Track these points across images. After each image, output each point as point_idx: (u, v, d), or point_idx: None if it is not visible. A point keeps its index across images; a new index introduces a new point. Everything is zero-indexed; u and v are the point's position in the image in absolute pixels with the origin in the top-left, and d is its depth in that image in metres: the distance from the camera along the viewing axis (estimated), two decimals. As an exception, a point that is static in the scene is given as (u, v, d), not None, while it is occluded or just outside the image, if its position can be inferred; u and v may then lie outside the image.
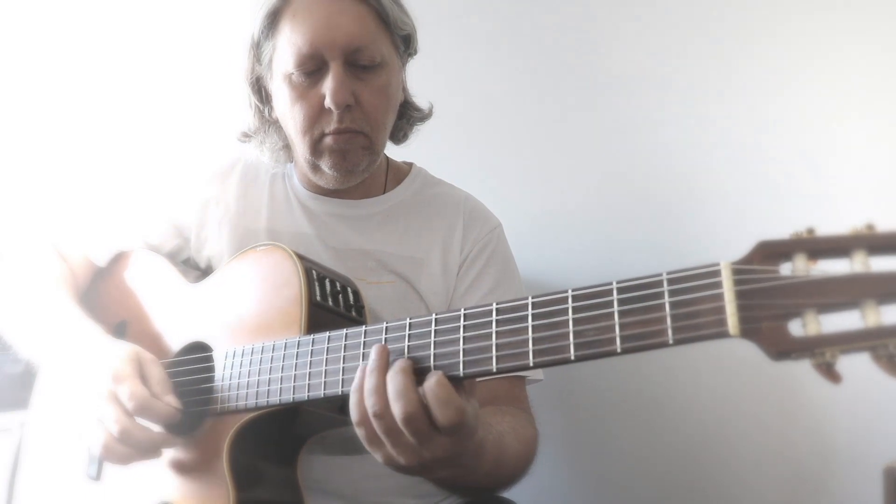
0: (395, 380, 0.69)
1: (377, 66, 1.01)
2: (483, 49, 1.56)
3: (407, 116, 1.16)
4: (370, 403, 0.69)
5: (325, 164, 1.03)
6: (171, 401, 0.87)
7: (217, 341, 0.93)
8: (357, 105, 1.00)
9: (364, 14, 1.00)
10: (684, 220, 1.35)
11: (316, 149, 1.02)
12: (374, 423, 0.69)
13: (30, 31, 1.78)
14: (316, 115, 1.00)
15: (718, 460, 1.30)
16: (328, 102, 0.98)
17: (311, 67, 0.99)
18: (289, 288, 0.88)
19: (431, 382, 0.67)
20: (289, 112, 1.03)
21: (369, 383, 0.70)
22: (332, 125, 0.99)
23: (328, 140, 1.01)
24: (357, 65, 1.00)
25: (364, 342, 0.76)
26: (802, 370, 0.55)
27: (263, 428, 0.87)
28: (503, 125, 1.55)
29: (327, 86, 0.98)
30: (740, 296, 0.55)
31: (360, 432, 0.71)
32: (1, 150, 1.74)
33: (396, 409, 0.67)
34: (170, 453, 0.91)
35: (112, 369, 0.87)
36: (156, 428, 0.87)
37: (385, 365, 0.71)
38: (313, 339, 0.81)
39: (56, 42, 1.79)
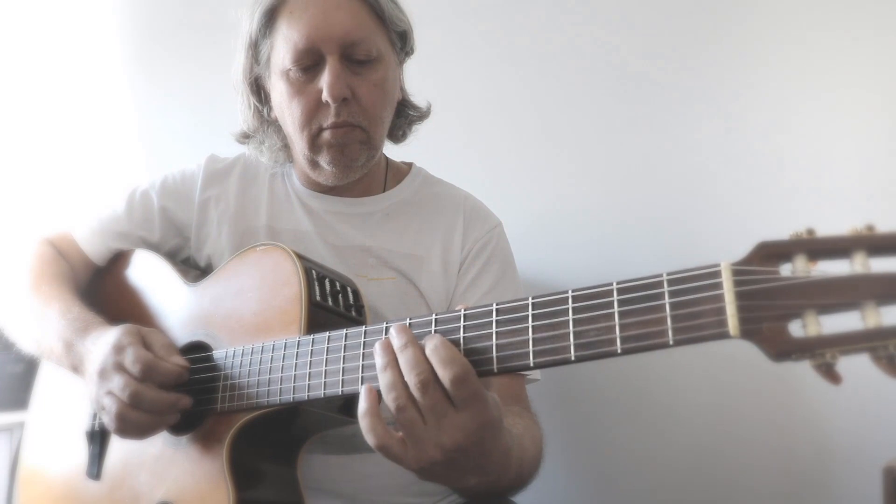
0: (404, 354, 0.68)
1: (373, 60, 1.02)
2: (483, 49, 1.56)
3: (405, 115, 1.16)
4: (392, 398, 0.68)
5: (323, 160, 1.03)
6: (177, 360, 0.87)
7: (217, 341, 0.93)
8: (354, 99, 1.00)
9: (360, 9, 1.01)
10: (684, 221, 1.35)
11: (314, 144, 1.03)
12: (399, 418, 0.68)
13: (28, 30, 1.78)
14: (313, 109, 1.01)
15: (718, 460, 1.30)
16: (325, 96, 0.98)
17: (308, 63, 1.00)
18: (288, 288, 0.88)
19: (433, 345, 0.67)
20: (287, 108, 1.03)
21: (385, 380, 0.69)
22: (329, 119, 1.00)
23: (326, 135, 1.01)
24: (353, 59, 1.01)
25: (364, 342, 0.76)
26: (803, 371, 0.55)
27: (263, 428, 0.87)
28: (503, 125, 1.55)
29: (324, 80, 0.99)
30: (740, 296, 0.55)
31: (381, 453, 0.70)
32: (2, 150, 1.75)
33: (411, 380, 0.67)
34: (169, 453, 0.92)
35: (113, 343, 0.88)
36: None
37: (395, 360, 0.69)
38: (313, 338, 0.81)
39: (55, 41, 1.79)
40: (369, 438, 0.69)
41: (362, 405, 0.71)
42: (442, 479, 0.73)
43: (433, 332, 0.71)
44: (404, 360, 0.68)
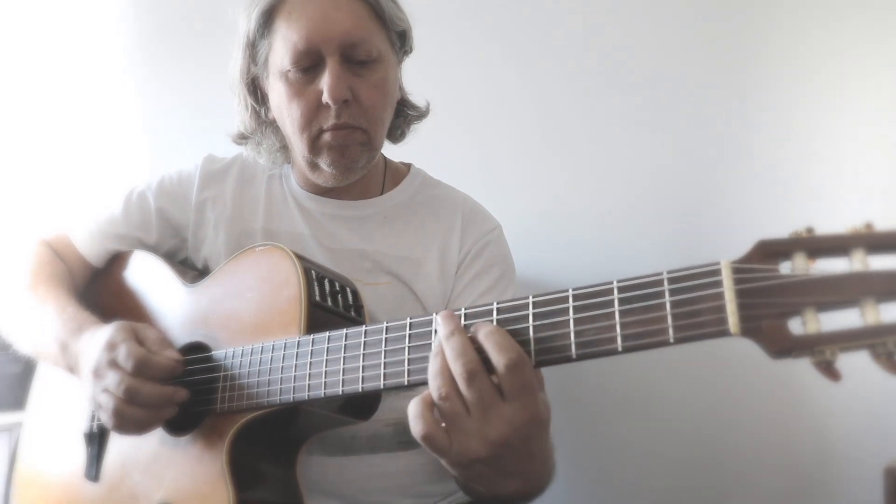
0: (450, 341, 0.66)
1: (374, 61, 1.01)
2: (482, 49, 1.57)
3: (404, 115, 1.15)
4: (436, 386, 0.65)
5: (323, 162, 1.03)
6: (170, 354, 0.88)
7: (216, 342, 0.93)
8: (354, 100, 1.00)
9: (360, 9, 1.00)
10: (684, 220, 1.35)
11: (314, 146, 1.02)
12: (442, 407, 0.65)
13: (30, 30, 1.78)
14: (313, 111, 1.00)
15: (718, 459, 1.30)
16: (326, 98, 0.98)
17: (308, 63, 0.99)
18: (288, 288, 0.88)
19: (486, 330, 0.65)
20: (286, 110, 1.02)
21: (433, 367, 0.66)
22: (330, 121, 0.99)
23: (326, 136, 1.01)
24: (354, 60, 1.00)
25: (364, 342, 0.76)
26: (803, 369, 0.55)
27: (263, 428, 0.87)
28: (503, 125, 1.55)
29: (325, 81, 0.98)
30: (740, 294, 0.55)
31: (425, 444, 0.66)
32: (4, 149, 1.75)
33: (456, 369, 0.64)
34: (168, 454, 0.91)
35: (106, 340, 0.88)
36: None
37: (441, 350, 0.67)
38: (313, 339, 0.81)
39: (57, 41, 1.79)
40: (415, 425, 0.66)
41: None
42: (482, 482, 0.70)
43: (433, 331, 0.70)
44: (450, 349, 0.65)
